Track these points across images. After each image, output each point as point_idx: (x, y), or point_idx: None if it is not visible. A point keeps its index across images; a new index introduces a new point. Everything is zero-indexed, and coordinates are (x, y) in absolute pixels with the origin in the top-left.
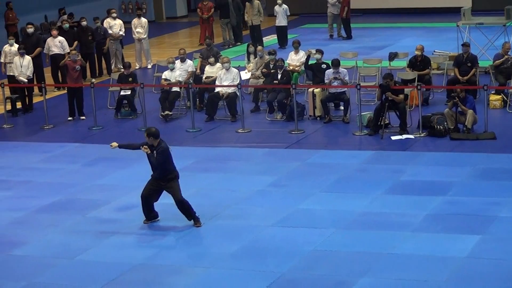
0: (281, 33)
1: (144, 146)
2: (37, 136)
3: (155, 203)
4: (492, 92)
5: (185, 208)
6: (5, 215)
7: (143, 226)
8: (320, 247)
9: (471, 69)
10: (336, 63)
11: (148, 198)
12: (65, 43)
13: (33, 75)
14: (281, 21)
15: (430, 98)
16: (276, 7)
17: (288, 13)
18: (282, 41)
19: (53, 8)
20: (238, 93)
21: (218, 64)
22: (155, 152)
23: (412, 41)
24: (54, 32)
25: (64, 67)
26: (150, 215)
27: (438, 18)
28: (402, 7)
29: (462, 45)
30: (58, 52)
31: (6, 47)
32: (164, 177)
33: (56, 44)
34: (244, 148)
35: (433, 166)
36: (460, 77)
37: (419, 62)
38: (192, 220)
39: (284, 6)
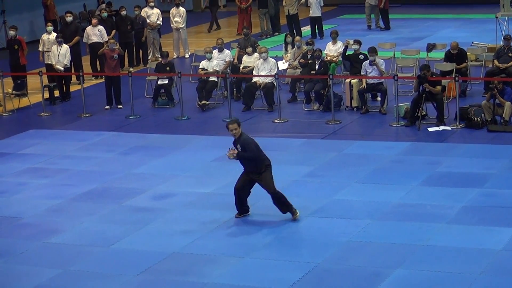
0: (315, 23)
1: (231, 152)
2: (74, 124)
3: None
4: None
5: (280, 200)
6: (42, 203)
7: (178, 215)
8: (355, 238)
9: (511, 59)
10: (372, 50)
11: (241, 191)
12: (104, 32)
13: (70, 63)
14: (315, 11)
15: (467, 89)
16: None
17: (322, 4)
18: (319, 32)
19: None
20: (275, 83)
21: (256, 54)
22: (239, 146)
23: (450, 32)
24: (94, 21)
25: (102, 56)
26: (243, 209)
27: (477, 9)
28: None
29: (504, 38)
30: (97, 41)
31: (44, 36)
32: (257, 169)
33: (96, 33)
34: (280, 138)
35: (469, 158)
36: (499, 65)
37: (455, 57)
38: (287, 213)
39: None
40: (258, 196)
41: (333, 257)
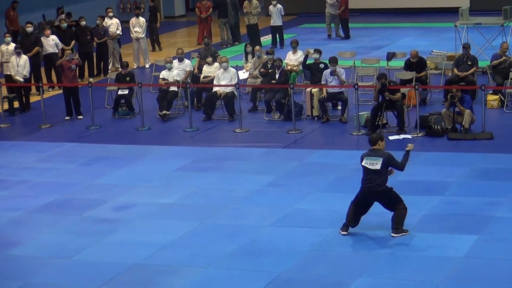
0: (276, 32)
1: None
2: (34, 135)
3: None
4: (490, 92)
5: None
6: (2, 215)
7: (140, 226)
8: (318, 247)
9: (471, 67)
10: (333, 60)
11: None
12: (58, 41)
13: (30, 74)
14: (276, 20)
15: (427, 98)
16: (271, 7)
17: (283, 13)
18: (279, 41)
19: (51, 7)
20: (236, 93)
21: (216, 64)
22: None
23: (410, 41)
24: (47, 31)
25: (60, 66)
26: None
27: (436, 18)
28: (400, 7)
29: (463, 46)
30: (53, 51)
31: (3, 46)
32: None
33: (50, 43)
34: (241, 148)
35: (430, 166)
36: (458, 73)
37: (415, 65)
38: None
39: (279, 6)
40: (220, 207)
41: (296, 267)
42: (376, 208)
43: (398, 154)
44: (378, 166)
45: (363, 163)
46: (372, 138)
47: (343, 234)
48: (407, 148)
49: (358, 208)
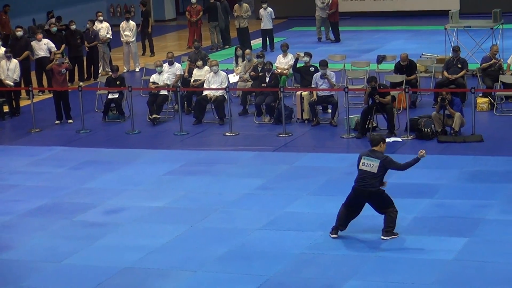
0: (266, 36)
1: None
2: (24, 139)
3: None
4: (480, 95)
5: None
6: None
7: (130, 229)
8: (308, 250)
9: (461, 70)
10: (323, 64)
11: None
12: (51, 44)
13: (20, 78)
14: (266, 24)
15: (417, 101)
16: (261, 10)
17: (273, 16)
18: (270, 45)
19: (41, 12)
20: (226, 96)
21: (206, 67)
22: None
23: (400, 44)
24: (39, 35)
25: (50, 70)
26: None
27: (426, 21)
28: (390, 10)
29: (453, 49)
30: (44, 55)
31: None
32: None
33: (42, 47)
34: (232, 151)
35: (420, 169)
36: (448, 76)
37: (405, 68)
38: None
39: (269, 9)
40: (210, 210)
41: (286, 270)
42: (367, 211)
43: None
44: (375, 169)
45: (360, 164)
46: (374, 138)
47: (333, 237)
48: (419, 155)
49: (350, 210)
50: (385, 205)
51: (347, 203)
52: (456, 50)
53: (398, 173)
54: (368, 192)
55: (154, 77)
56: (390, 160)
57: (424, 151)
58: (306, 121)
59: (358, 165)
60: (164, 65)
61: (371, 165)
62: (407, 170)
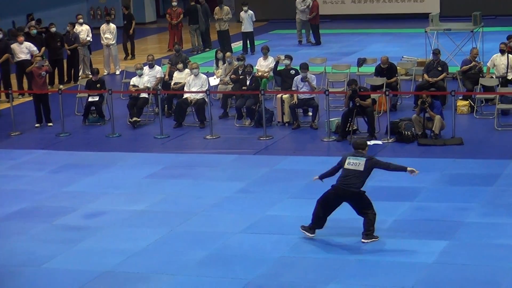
0: (247, 39)
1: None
2: (4, 143)
3: None
4: (460, 97)
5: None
6: None
7: (110, 233)
8: (288, 253)
9: (441, 73)
10: (304, 67)
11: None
12: (33, 47)
13: None
14: (247, 26)
15: (398, 103)
16: (242, 13)
17: (254, 19)
18: (250, 47)
19: (21, 14)
20: (206, 99)
21: (187, 70)
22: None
23: (381, 47)
24: (20, 38)
25: (30, 73)
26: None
27: (407, 24)
28: (371, 13)
29: (433, 52)
30: (25, 58)
31: None
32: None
33: (23, 50)
34: (212, 155)
35: (400, 172)
36: (429, 79)
37: (386, 71)
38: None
39: (250, 12)
40: (191, 213)
41: (266, 273)
42: (346, 214)
43: None
44: (361, 167)
45: (346, 163)
46: (359, 142)
47: (311, 237)
48: (411, 171)
49: (326, 209)
50: (365, 207)
51: (324, 202)
52: (436, 53)
53: (379, 175)
54: (350, 193)
55: (134, 80)
56: (376, 160)
57: (417, 173)
58: (286, 124)
59: (339, 165)
60: (144, 68)
61: (357, 163)
62: (396, 169)
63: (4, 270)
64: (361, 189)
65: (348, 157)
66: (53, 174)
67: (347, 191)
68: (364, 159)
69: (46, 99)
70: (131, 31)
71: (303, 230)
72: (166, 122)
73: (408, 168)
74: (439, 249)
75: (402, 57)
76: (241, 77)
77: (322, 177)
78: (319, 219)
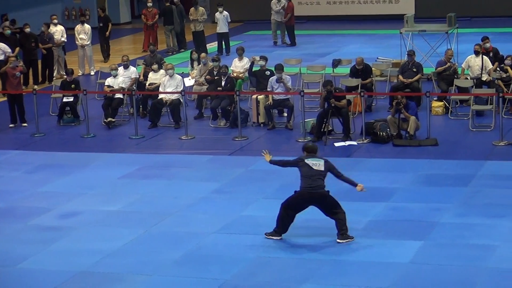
0: (222, 39)
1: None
2: None
3: None
4: (435, 98)
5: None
6: None
7: (85, 233)
8: (263, 253)
9: (416, 74)
10: (279, 67)
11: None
12: (7, 48)
13: None
14: (222, 27)
15: (373, 104)
16: (217, 14)
17: (229, 20)
18: (225, 48)
19: None
20: (181, 100)
21: (162, 71)
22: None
23: (356, 48)
24: None
25: (4, 74)
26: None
27: (382, 25)
28: (346, 14)
29: (408, 53)
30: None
31: None
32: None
33: None
34: (187, 155)
35: (376, 172)
36: (403, 80)
37: (361, 72)
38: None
39: (225, 13)
40: (166, 214)
41: (242, 273)
42: (321, 214)
43: (344, 160)
44: (321, 167)
45: (310, 164)
46: (313, 146)
47: (279, 239)
48: (360, 188)
49: (291, 214)
50: (334, 206)
51: (289, 206)
52: (411, 54)
53: (354, 176)
54: (318, 195)
55: (109, 81)
56: (332, 164)
57: (365, 190)
58: (261, 125)
59: (294, 164)
60: (119, 68)
61: (317, 164)
62: (345, 180)
63: None
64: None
65: (306, 159)
66: (28, 174)
67: (315, 193)
68: (322, 160)
69: (21, 100)
70: (107, 34)
71: (269, 236)
72: (141, 123)
73: (359, 185)
74: (414, 249)
75: (377, 58)
76: (216, 78)
77: (273, 162)
78: (284, 224)
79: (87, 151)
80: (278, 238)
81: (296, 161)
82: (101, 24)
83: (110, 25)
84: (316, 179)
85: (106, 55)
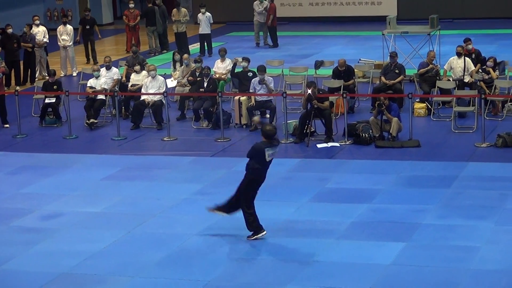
0: (205, 41)
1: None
2: None
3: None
4: (417, 100)
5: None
6: None
7: (67, 235)
8: (246, 255)
9: (398, 76)
10: (261, 69)
11: None
12: None
13: None
14: (205, 29)
15: (355, 106)
16: (200, 15)
17: (212, 21)
18: (208, 49)
19: None
20: (164, 101)
21: (144, 72)
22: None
23: (338, 49)
24: None
25: None
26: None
27: (364, 27)
28: (329, 16)
29: (390, 55)
30: None
31: None
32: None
33: None
34: (170, 156)
35: (358, 174)
36: (386, 81)
37: (343, 74)
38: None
39: (208, 14)
40: (148, 215)
41: (224, 275)
42: (304, 215)
43: (326, 162)
44: (275, 155)
45: (266, 156)
46: (273, 130)
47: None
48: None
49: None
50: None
51: (245, 194)
52: (393, 55)
53: (336, 177)
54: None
55: (91, 82)
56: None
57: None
58: (244, 126)
59: (263, 160)
60: (101, 69)
61: (275, 153)
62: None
63: None
64: None
65: (266, 148)
66: (9, 175)
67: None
68: (277, 147)
69: (3, 100)
70: (99, 37)
71: (216, 211)
72: (123, 124)
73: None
74: (396, 251)
75: (360, 59)
76: (198, 79)
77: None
78: (231, 207)
79: (69, 152)
80: (224, 214)
81: (258, 154)
82: (87, 27)
83: (96, 27)
84: (266, 171)
85: (96, 57)
